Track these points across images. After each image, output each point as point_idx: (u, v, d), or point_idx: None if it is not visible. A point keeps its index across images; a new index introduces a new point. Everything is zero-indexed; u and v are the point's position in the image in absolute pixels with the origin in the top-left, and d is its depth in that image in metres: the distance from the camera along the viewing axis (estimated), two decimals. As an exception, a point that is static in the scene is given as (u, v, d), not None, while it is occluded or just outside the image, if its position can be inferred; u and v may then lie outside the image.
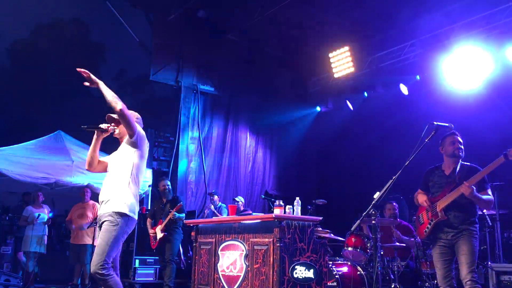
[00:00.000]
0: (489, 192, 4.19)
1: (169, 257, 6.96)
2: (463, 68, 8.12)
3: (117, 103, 3.63)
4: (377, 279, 3.66)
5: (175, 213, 6.90)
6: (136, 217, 3.83)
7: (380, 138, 9.41)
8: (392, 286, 5.58)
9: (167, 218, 6.92)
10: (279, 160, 11.41)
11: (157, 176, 9.08)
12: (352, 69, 9.64)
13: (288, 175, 11.25)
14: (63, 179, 8.54)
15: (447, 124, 3.82)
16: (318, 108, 11.41)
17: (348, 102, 9.50)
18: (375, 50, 9.44)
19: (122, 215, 3.69)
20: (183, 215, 7.10)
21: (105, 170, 4.02)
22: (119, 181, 3.79)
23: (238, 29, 10.20)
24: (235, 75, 10.76)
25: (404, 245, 6.02)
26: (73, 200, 8.61)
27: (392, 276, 5.72)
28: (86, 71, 3.57)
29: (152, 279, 8.39)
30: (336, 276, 5.49)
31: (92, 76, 3.60)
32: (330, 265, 5.53)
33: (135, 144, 3.83)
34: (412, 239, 6.11)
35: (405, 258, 6.09)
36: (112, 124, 3.95)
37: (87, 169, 4.04)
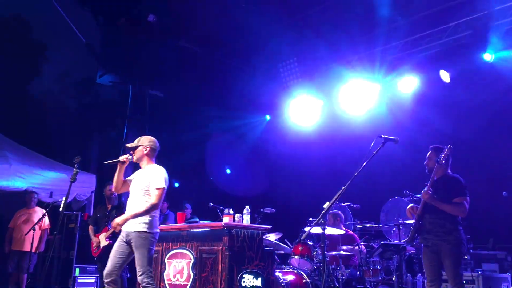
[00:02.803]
0: (459, 199, 4.26)
1: None
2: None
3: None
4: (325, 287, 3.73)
5: None
6: (158, 230, 4.50)
7: (329, 149, 9.59)
8: (337, 293, 5.70)
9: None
10: (228, 167, 11.40)
11: (102, 182, 8.79)
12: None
13: (236, 182, 11.24)
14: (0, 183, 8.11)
15: (393, 137, 3.95)
16: (267, 117, 11.49)
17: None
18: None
19: (147, 232, 4.36)
20: None
21: (128, 189, 4.82)
22: (140, 205, 4.46)
23: (189, 36, 10.12)
24: (186, 81, 10.66)
25: (348, 253, 6.18)
26: (10, 205, 8.18)
27: (336, 283, 5.85)
28: None
29: (92, 288, 8.11)
30: (283, 284, 5.54)
31: None
32: (276, 273, 5.57)
33: None
34: (353, 253, 6.27)
35: (349, 266, 6.24)
36: (131, 152, 4.74)
37: (113, 191, 5.09)
